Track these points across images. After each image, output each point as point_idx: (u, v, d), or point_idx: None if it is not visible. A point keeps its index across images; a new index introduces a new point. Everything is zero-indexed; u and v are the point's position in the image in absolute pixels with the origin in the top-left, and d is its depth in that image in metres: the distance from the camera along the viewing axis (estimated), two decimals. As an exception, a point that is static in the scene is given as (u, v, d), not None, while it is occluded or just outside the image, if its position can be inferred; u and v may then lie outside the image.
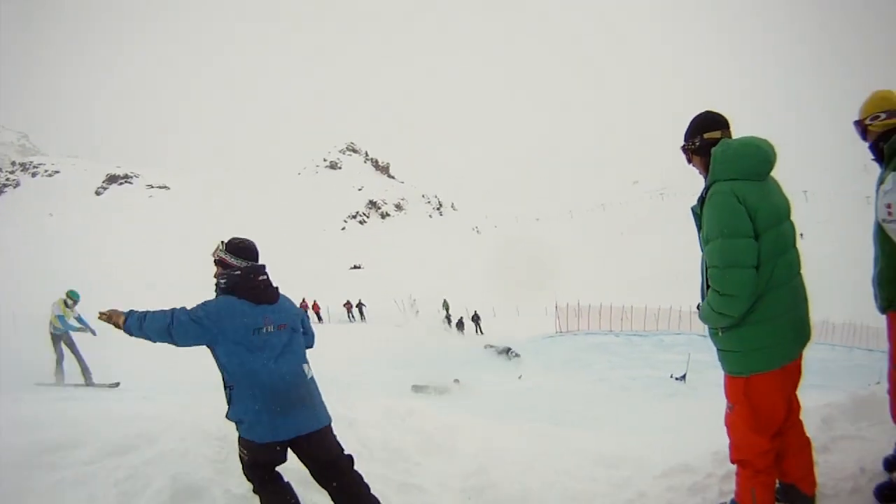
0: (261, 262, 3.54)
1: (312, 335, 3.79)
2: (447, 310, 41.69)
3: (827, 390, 4.77)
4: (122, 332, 3.37)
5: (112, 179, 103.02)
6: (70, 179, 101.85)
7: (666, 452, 4.77)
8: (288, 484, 3.48)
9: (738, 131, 3.10)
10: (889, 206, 2.84)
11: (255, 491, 3.48)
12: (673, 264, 46.22)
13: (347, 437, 4.66)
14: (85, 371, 10.84)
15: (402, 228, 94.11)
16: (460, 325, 32.43)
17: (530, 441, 5.78)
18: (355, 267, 71.60)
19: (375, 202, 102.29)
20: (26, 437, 4.09)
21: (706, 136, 3.07)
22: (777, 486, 3.13)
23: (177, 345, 3.30)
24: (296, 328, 3.54)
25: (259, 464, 3.38)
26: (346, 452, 3.59)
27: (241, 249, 3.50)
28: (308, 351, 3.65)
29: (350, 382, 16.18)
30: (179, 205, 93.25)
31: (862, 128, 3.15)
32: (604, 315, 33.45)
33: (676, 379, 20.70)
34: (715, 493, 3.68)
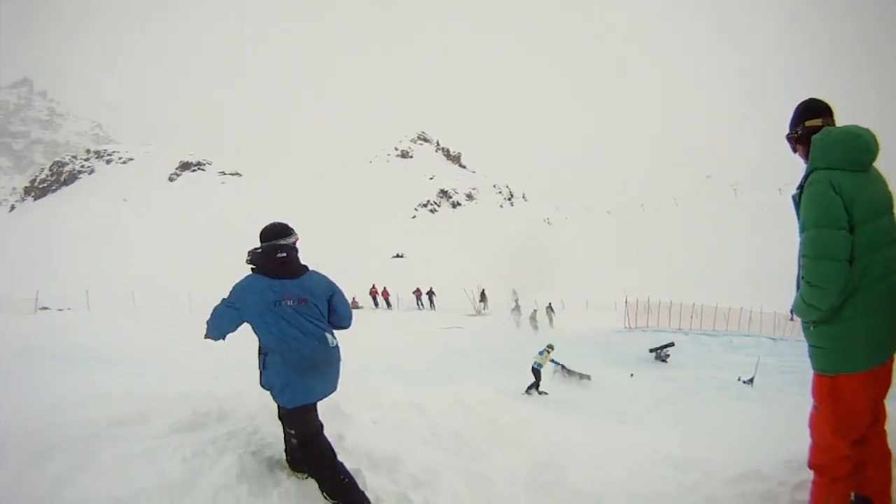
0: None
1: (345, 316, 3.94)
2: (517, 301, 41.67)
3: None
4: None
5: (185, 166, 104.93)
6: (144, 166, 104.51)
7: (734, 457, 4.65)
8: (334, 458, 3.78)
9: (853, 120, 2.96)
10: None
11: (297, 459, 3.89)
12: (744, 263, 44.90)
13: (416, 424, 4.89)
14: None
15: (472, 217, 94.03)
16: (533, 318, 30.87)
17: (599, 437, 5.72)
18: (398, 256, 71.65)
19: (446, 191, 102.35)
20: (95, 411, 4.10)
21: (808, 123, 2.99)
22: (852, 498, 3.03)
23: (225, 332, 3.77)
24: (319, 303, 3.75)
25: (301, 434, 3.74)
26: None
27: (264, 232, 3.85)
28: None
29: (416, 371, 16.26)
30: (251, 191, 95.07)
31: None
32: (673, 312, 32.87)
33: (744, 382, 20.18)
34: (786, 501, 3.61)
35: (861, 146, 2.79)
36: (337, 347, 3.79)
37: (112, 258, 59.86)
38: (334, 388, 3.83)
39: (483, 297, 38.79)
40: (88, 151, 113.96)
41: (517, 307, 31.07)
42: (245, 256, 3.77)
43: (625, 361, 23.16)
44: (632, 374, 21.37)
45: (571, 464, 4.71)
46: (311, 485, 3.78)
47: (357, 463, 4.07)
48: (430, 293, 41.22)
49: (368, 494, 3.72)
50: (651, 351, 23.08)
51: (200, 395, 4.58)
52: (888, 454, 3.00)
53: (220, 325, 3.73)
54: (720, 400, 17.43)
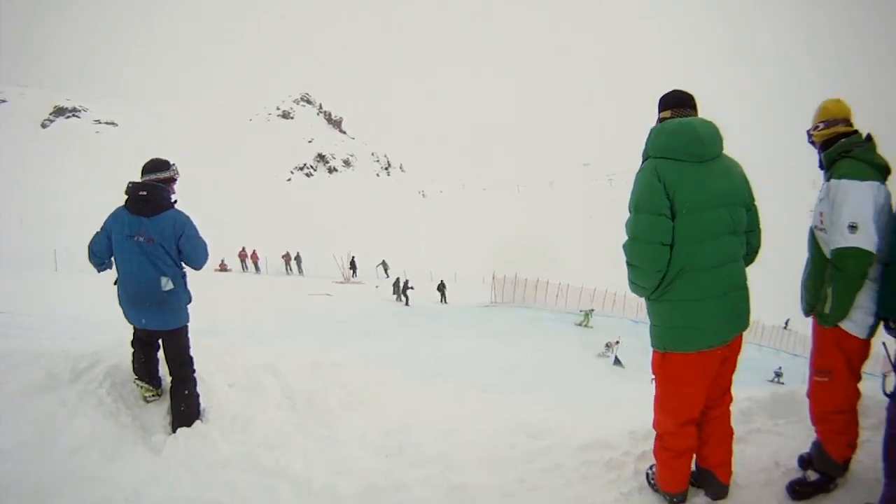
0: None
1: (192, 258, 4.22)
2: (385, 270, 41.82)
3: (749, 387, 4.99)
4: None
5: (59, 112, 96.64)
6: (16, 109, 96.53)
7: (588, 428, 4.84)
8: (152, 358, 4.40)
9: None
10: (821, 214, 2.99)
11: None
12: (609, 246, 47.28)
13: (270, 387, 4.98)
14: None
15: (348, 184, 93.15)
16: (403, 291, 30.82)
17: (456, 404, 5.86)
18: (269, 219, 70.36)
19: (324, 156, 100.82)
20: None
21: (660, 115, 3.11)
22: (694, 469, 3.25)
23: (99, 255, 4.16)
24: (166, 244, 4.05)
25: (137, 338, 4.30)
26: (185, 361, 4.32)
27: (143, 167, 4.21)
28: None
29: (279, 336, 16.25)
30: (124, 143, 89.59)
31: (810, 138, 3.23)
32: (539, 290, 34.16)
33: (605, 356, 21.42)
34: (630, 470, 3.77)
35: (692, 138, 2.85)
36: (172, 291, 4.10)
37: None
38: (164, 326, 4.18)
39: (353, 265, 38.80)
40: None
41: (397, 283, 30.97)
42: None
43: (496, 333, 23.71)
44: (541, 348, 22.02)
45: (423, 428, 4.85)
46: (165, 447, 4.04)
47: (210, 426, 4.26)
48: (298, 258, 40.80)
49: (218, 456, 4.02)
50: (604, 355, 23.30)
51: (54, 355, 4.59)
52: (730, 433, 3.21)
53: (93, 249, 4.11)
54: (582, 375, 18.28)
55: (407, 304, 29.97)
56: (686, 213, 2.80)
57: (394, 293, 30.78)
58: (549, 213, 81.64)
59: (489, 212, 79.71)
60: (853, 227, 2.80)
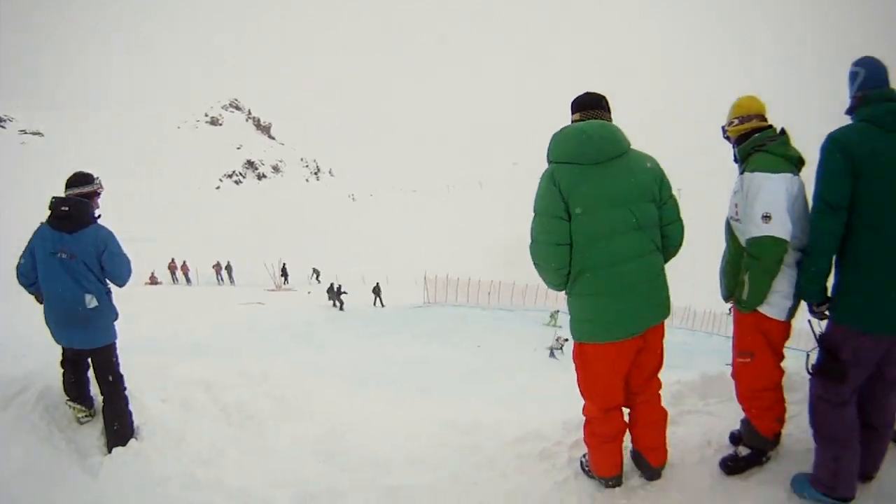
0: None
1: (115, 275, 4.12)
2: (317, 276, 41.33)
3: (683, 370, 5.46)
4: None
5: None
6: None
7: (521, 421, 4.91)
8: (82, 377, 4.26)
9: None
10: (736, 205, 3.13)
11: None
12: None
13: (203, 401, 4.95)
14: None
15: (277, 190, 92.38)
16: (338, 295, 29.89)
17: (388, 407, 5.94)
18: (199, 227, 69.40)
19: (253, 162, 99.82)
20: None
21: (572, 117, 3.20)
22: (632, 451, 3.45)
23: (26, 274, 4.07)
24: (89, 260, 3.97)
25: (66, 358, 4.19)
26: (115, 379, 4.20)
27: (67, 181, 4.09)
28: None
29: (214, 347, 16.15)
30: (52, 154, 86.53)
31: (724, 133, 3.35)
32: (472, 289, 34.45)
33: (557, 350, 21.94)
34: (564, 459, 3.84)
35: (582, 141, 2.94)
36: (97, 308, 4.01)
37: None
38: (92, 344, 4.08)
39: (284, 272, 38.56)
40: None
41: (331, 288, 30.29)
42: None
43: (430, 334, 23.73)
44: (479, 346, 22.15)
45: (357, 432, 4.91)
46: (102, 469, 3.96)
47: (145, 444, 4.20)
48: (229, 267, 40.23)
49: (154, 474, 3.96)
50: (542, 349, 23.40)
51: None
52: (660, 417, 3.33)
53: (20, 269, 4.05)
54: (518, 370, 18.28)
55: (341, 308, 29.51)
56: (580, 215, 2.91)
57: (329, 299, 30.35)
58: (478, 212, 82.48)
59: (421, 213, 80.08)
60: (766, 217, 2.91)
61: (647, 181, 3.03)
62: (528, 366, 19.77)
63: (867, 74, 2.81)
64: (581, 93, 3.24)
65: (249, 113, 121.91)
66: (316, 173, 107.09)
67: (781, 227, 2.89)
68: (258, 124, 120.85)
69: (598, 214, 2.90)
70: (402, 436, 4.90)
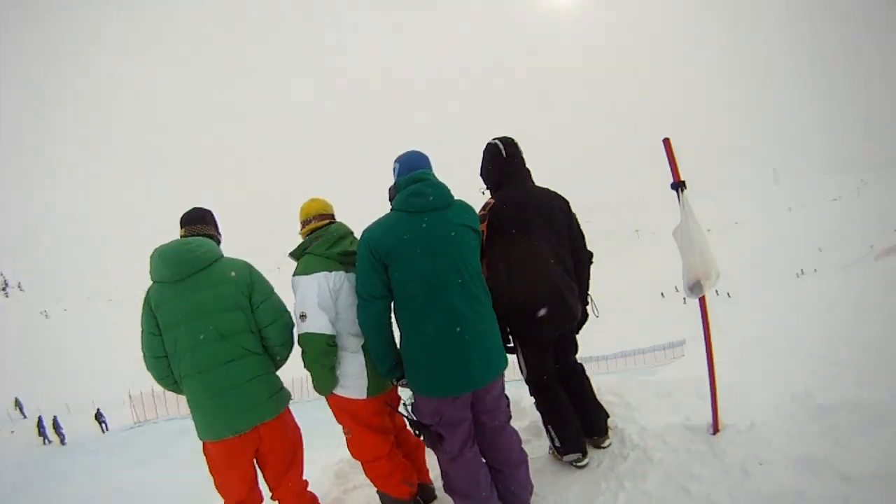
0: None
1: None
2: (20, 409, 39.69)
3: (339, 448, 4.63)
4: None
5: None
6: None
7: None
8: None
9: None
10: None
11: None
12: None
13: None
14: None
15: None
16: (54, 429, 27.19)
17: None
18: None
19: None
20: None
21: (180, 233, 3.37)
22: None
23: None
24: None
25: None
26: None
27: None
28: None
29: None
30: None
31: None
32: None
33: None
34: None
35: (158, 264, 3.07)
36: None
37: None
38: None
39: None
40: None
41: (40, 422, 27.97)
42: None
43: (142, 461, 21.39)
44: None
45: None
46: None
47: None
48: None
49: None
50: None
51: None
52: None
53: None
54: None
55: (63, 443, 26.78)
56: (165, 330, 3.05)
57: (38, 434, 28.12)
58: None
59: (120, 330, 77.61)
60: (303, 316, 3.11)
61: (229, 292, 3.10)
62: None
63: (401, 167, 3.07)
64: (189, 209, 3.40)
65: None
66: (3, 289, 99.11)
67: (315, 323, 3.11)
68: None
69: (181, 329, 3.02)
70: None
